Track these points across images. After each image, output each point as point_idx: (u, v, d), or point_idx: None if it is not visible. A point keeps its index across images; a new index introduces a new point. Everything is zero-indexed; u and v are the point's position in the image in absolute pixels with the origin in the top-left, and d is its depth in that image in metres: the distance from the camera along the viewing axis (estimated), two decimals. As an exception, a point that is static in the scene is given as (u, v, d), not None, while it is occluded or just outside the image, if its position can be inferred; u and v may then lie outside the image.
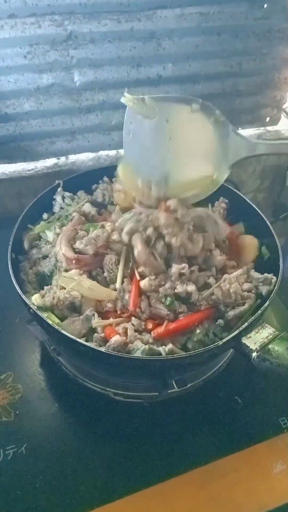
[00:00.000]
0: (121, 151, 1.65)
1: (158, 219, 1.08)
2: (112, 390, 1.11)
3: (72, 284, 1.04)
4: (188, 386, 1.11)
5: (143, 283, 1.04)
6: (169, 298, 1.02)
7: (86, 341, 0.97)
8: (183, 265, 1.05)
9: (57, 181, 1.34)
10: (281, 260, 1.09)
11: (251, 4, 1.48)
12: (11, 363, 1.18)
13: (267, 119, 1.84)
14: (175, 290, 1.02)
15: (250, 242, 1.22)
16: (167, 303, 1.02)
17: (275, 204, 2.03)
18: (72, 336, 0.91)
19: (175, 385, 1.07)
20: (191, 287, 1.02)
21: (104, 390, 1.11)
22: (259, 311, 0.97)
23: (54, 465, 0.98)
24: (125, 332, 0.98)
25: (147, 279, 1.05)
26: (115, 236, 1.12)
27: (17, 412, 1.07)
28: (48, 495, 0.94)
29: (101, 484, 0.97)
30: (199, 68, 1.56)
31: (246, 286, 1.08)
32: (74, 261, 1.08)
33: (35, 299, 1.02)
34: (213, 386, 1.15)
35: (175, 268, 1.04)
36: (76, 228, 1.17)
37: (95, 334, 0.99)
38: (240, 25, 1.51)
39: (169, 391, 1.08)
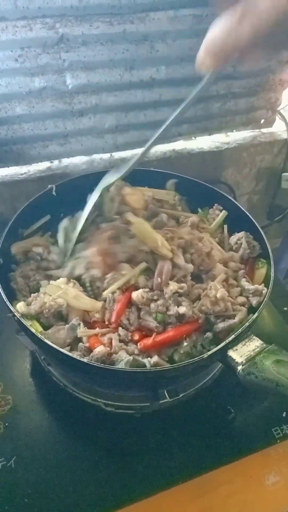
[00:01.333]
0: (115, 154, 1.65)
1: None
2: (103, 401, 1.09)
3: (58, 292, 1.02)
4: (180, 396, 1.09)
5: (135, 295, 1.03)
6: (159, 314, 1.01)
7: (71, 350, 0.97)
8: (182, 285, 1.04)
9: (49, 186, 1.33)
10: (272, 270, 1.07)
11: (245, 5, 1.46)
12: (0, 374, 1.17)
13: (262, 121, 1.83)
14: (168, 312, 1.01)
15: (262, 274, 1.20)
16: (158, 319, 1.01)
17: (270, 206, 2.02)
18: (54, 345, 0.90)
19: (167, 395, 1.05)
20: (182, 309, 1.00)
21: (95, 401, 1.10)
22: (247, 323, 0.95)
23: (44, 479, 0.97)
24: (110, 343, 0.97)
25: (140, 291, 1.03)
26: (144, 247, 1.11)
27: (6, 424, 1.06)
28: (38, 510, 0.93)
29: (92, 497, 0.95)
30: (193, 71, 1.51)
31: (240, 299, 1.07)
32: (105, 255, 1.09)
33: (19, 307, 1.01)
34: (206, 396, 1.14)
35: (172, 286, 1.03)
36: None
37: (80, 344, 0.98)
38: (234, 27, 1.49)
39: (160, 402, 1.06)
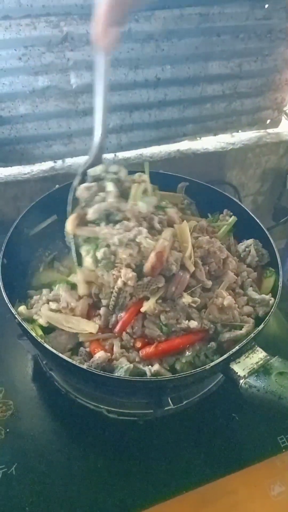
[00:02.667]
0: (119, 154, 1.64)
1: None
2: (106, 407, 1.08)
3: (53, 321, 0.99)
4: (184, 403, 1.08)
5: (148, 306, 0.98)
6: (165, 327, 0.99)
7: (72, 355, 0.96)
8: (196, 299, 1.01)
9: (56, 186, 1.32)
10: (280, 279, 1.05)
11: (251, 4, 1.44)
12: (1, 378, 1.15)
13: (268, 121, 1.81)
14: (178, 326, 0.98)
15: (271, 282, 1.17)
16: (164, 331, 0.99)
17: (275, 207, 1.99)
18: (53, 350, 0.88)
19: (170, 402, 1.03)
20: (194, 324, 0.98)
21: (97, 407, 1.08)
22: (252, 334, 0.93)
23: (46, 486, 0.96)
24: (112, 348, 0.95)
25: (152, 301, 0.99)
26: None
27: (8, 430, 1.04)
28: (39, 519, 0.92)
29: (94, 506, 0.94)
30: (198, 70, 1.52)
31: (246, 309, 1.04)
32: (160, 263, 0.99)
33: (20, 310, 1.00)
34: (210, 403, 1.13)
35: (185, 299, 1.00)
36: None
37: (81, 348, 0.97)
38: (240, 25, 1.48)
39: (164, 409, 1.04)
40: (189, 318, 1.00)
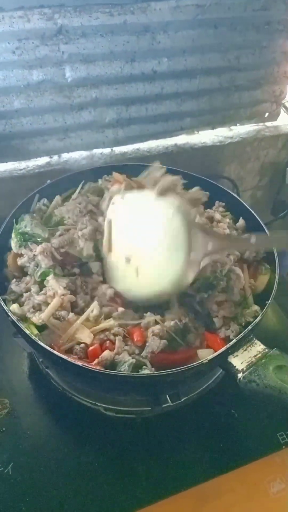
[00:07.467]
0: (116, 149, 1.62)
1: None
2: (103, 405, 1.07)
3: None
4: (182, 400, 1.06)
5: None
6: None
7: (66, 351, 0.93)
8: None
9: (48, 181, 1.32)
10: (277, 276, 1.03)
11: (249, -6, 1.42)
12: (-3, 376, 1.14)
13: (266, 114, 1.79)
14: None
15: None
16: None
17: (274, 201, 1.98)
18: (48, 348, 0.87)
19: (168, 399, 1.02)
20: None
21: (95, 405, 1.07)
22: (249, 327, 0.92)
23: (42, 486, 0.95)
24: (103, 341, 0.94)
25: None
26: None
27: (4, 429, 1.03)
28: (35, 519, 0.90)
29: (91, 504, 0.93)
30: (195, 63, 1.50)
31: None
32: None
33: (13, 309, 0.98)
34: (209, 400, 1.12)
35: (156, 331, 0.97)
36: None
37: (76, 346, 0.94)
38: (238, 17, 1.46)
39: (162, 406, 1.03)
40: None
